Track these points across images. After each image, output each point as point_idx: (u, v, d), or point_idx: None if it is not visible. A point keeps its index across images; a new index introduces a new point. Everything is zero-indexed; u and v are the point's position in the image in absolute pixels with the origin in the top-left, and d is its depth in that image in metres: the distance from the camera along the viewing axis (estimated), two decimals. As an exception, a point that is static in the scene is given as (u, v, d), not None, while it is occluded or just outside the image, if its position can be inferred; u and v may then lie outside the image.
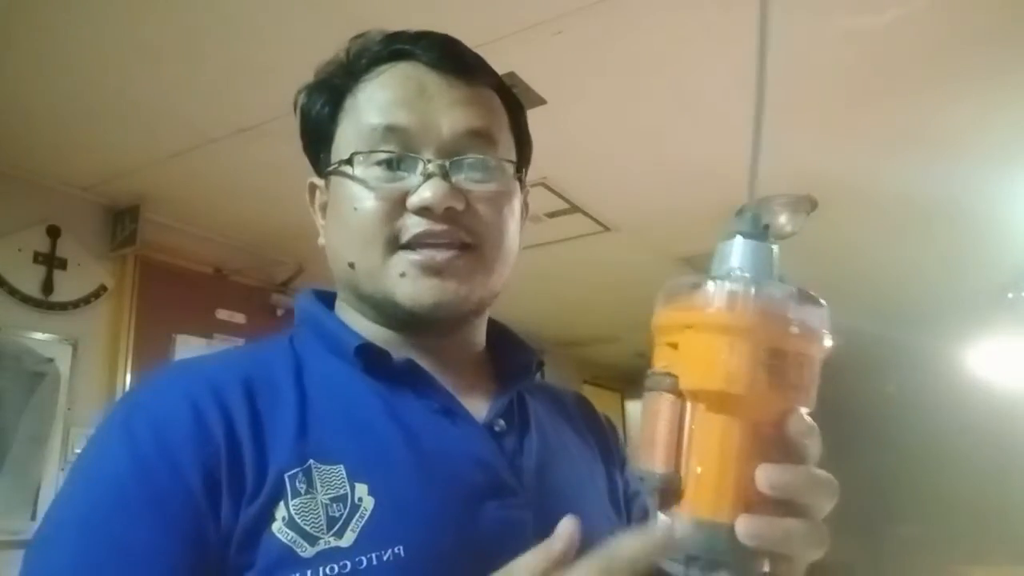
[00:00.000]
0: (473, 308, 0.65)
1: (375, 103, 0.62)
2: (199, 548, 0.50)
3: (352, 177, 0.61)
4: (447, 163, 0.60)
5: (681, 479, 0.41)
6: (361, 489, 0.53)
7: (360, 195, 0.60)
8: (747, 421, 0.40)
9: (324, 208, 0.68)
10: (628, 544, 0.40)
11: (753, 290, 0.40)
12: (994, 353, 3.87)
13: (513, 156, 0.67)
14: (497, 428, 0.63)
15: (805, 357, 0.41)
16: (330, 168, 0.64)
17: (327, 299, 0.70)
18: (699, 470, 0.40)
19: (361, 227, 0.60)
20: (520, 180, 0.67)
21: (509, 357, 0.71)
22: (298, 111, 0.68)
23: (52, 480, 2.11)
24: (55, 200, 2.25)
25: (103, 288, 2.34)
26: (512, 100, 0.69)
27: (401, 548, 0.52)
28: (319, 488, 0.52)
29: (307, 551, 0.50)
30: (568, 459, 0.68)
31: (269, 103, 1.77)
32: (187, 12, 1.46)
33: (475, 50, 0.67)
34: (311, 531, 0.51)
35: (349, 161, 0.61)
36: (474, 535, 0.48)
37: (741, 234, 0.43)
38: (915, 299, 3.58)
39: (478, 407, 0.64)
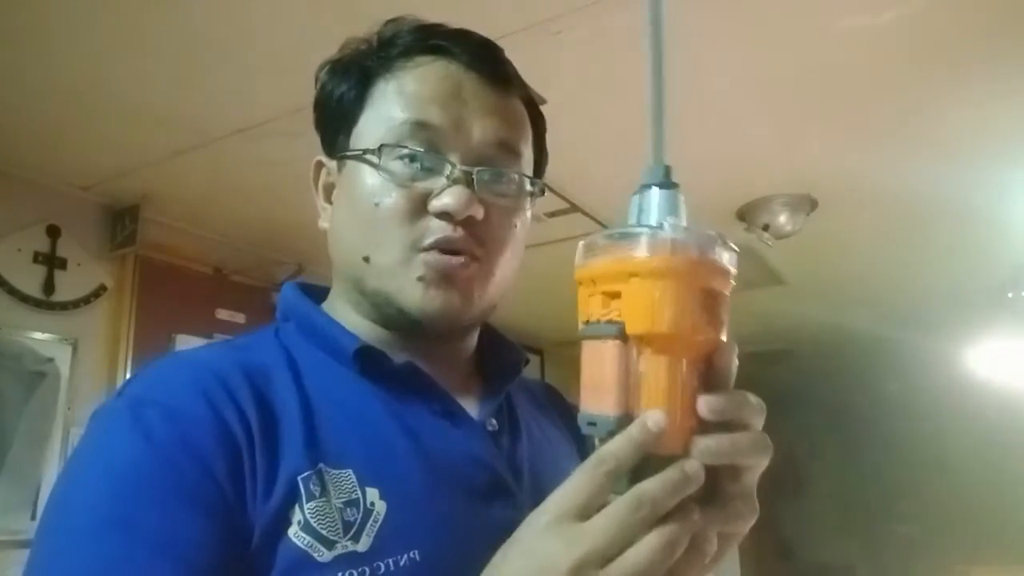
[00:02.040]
0: (474, 320, 0.65)
1: (408, 96, 0.61)
2: (235, 544, 0.49)
3: (377, 168, 0.60)
4: (473, 171, 0.59)
5: (633, 420, 0.43)
6: (372, 493, 0.53)
7: (382, 190, 0.59)
8: (688, 358, 0.44)
9: (328, 189, 0.67)
10: (613, 442, 0.42)
11: (693, 237, 0.43)
12: (994, 353, 3.88)
13: (531, 170, 0.67)
14: (490, 428, 0.64)
15: (726, 295, 0.45)
16: (349, 153, 0.62)
17: (313, 293, 0.68)
18: (650, 409, 0.43)
19: (382, 223, 0.59)
20: (533, 194, 0.67)
21: (496, 356, 0.71)
22: (319, 86, 0.66)
23: (52, 480, 2.10)
24: (55, 200, 2.25)
25: (103, 288, 2.34)
26: (537, 114, 0.69)
27: (417, 553, 0.52)
28: (332, 492, 0.52)
29: (324, 555, 0.50)
30: (552, 453, 0.69)
31: (269, 103, 1.77)
32: (188, 11, 1.46)
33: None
34: (327, 535, 0.50)
35: (376, 152, 0.59)
36: (482, 537, 0.48)
37: (657, 185, 0.46)
38: (915, 299, 3.58)
39: (470, 407, 0.64)
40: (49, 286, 2.20)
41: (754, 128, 1.96)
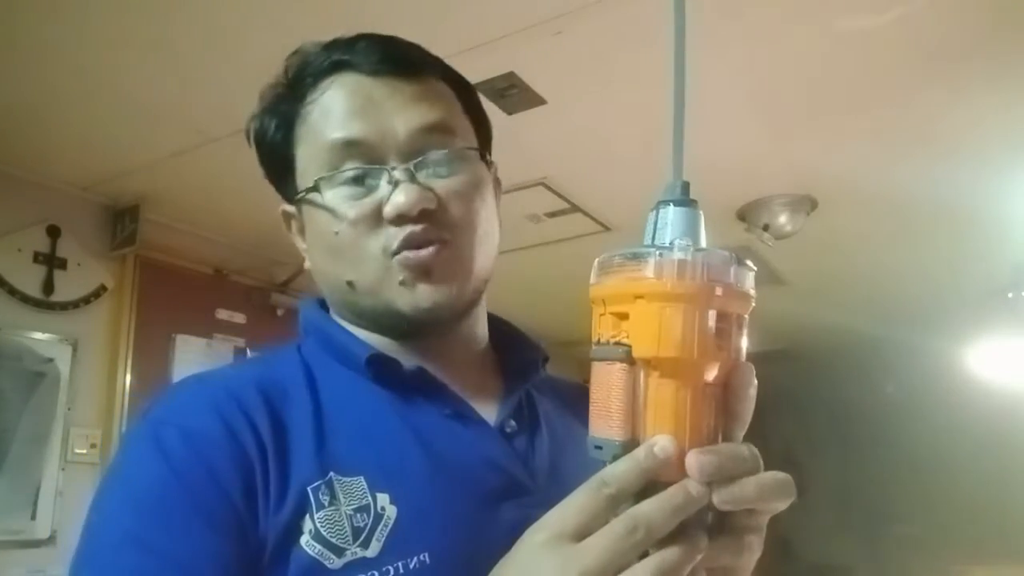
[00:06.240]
0: (467, 303, 0.65)
1: (327, 121, 0.62)
2: (246, 558, 0.51)
3: (322, 204, 0.61)
4: (411, 166, 0.60)
5: (639, 445, 0.42)
6: (383, 499, 0.54)
7: (336, 218, 0.60)
8: (698, 383, 0.42)
9: (303, 232, 0.68)
10: (617, 465, 0.42)
11: (701, 258, 0.42)
12: (994, 353, 3.87)
13: (473, 140, 0.67)
14: (508, 429, 0.64)
15: (743, 317, 0.44)
16: (298, 196, 0.64)
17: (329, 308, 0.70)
18: (656, 435, 0.42)
19: (349, 247, 0.61)
20: (486, 161, 0.67)
21: (515, 354, 0.71)
22: (252, 141, 0.68)
23: (52, 480, 2.11)
24: (55, 200, 2.26)
25: (103, 288, 2.34)
26: (461, 83, 0.68)
27: (426, 555, 0.52)
28: (342, 499, 0.53)
29: (334, 563, 0.51)
30: (576, 453, 0.69)
31: (269, 103, 1.77)
32: (188, 12, 1.46)
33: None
34: (337, 543, 0.51)
35: (315, 187, 0.61)
36: (494, 537, 0.48)
37: (673, 203, 0.45)
38: (915, 299, 3.58)
39: (488, 408, 0.65)
40: (49, 286, 2.20)
41: (754, 128, 1.96)
